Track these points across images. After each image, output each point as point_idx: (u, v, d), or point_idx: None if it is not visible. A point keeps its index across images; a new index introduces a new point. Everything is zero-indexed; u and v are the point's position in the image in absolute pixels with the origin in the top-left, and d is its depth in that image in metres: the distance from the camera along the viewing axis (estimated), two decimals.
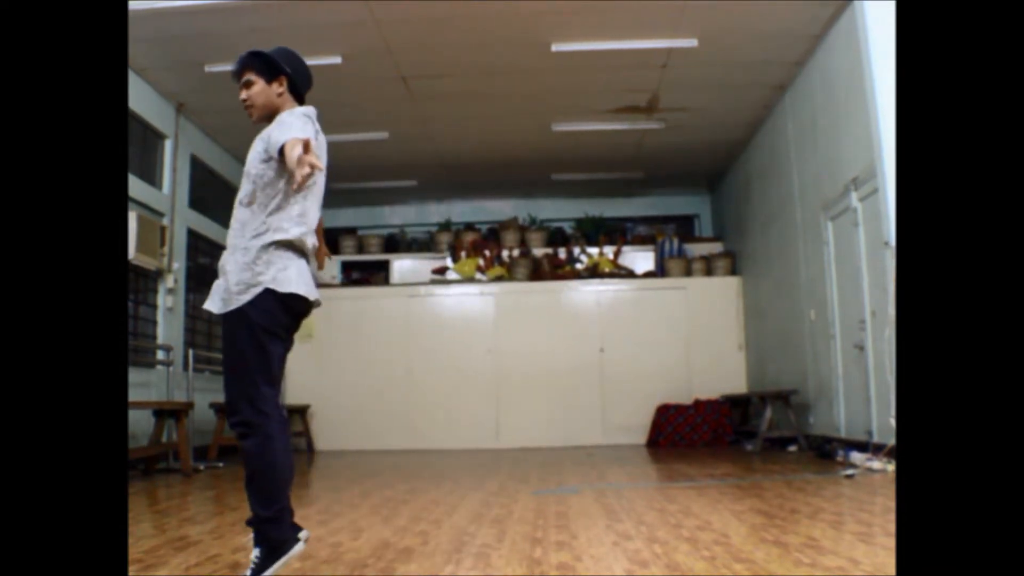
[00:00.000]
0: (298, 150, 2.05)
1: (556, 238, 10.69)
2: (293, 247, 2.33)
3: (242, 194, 2.38)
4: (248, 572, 2.20)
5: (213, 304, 2.35)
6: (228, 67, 7.93)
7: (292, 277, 2.29)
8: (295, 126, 2.27)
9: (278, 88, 2.46)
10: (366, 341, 9.81)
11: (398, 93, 7.29)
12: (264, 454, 2.23)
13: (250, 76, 2.46)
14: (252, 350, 2.25)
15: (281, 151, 2.19)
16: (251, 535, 2.28)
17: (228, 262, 2.34)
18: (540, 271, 10.10)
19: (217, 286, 2.36)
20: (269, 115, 2.46)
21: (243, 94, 2.47)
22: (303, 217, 2.36)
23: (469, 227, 10.86)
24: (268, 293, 2.26)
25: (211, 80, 6.94)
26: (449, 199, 11.20)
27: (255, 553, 2.21)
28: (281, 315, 2.30)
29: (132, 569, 2.58)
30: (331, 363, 9.77)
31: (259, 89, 2.45)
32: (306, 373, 9.76)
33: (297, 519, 3.68)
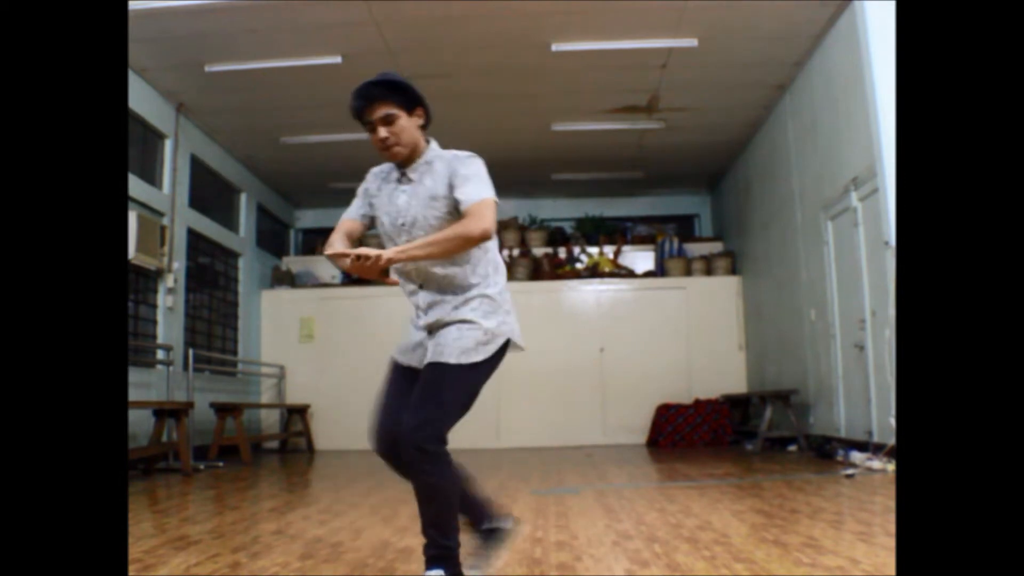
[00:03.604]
0: (482, 224, 2.03)
1: (556, 238, 10.69)
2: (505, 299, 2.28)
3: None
4: None
5: (444, 355, 2.14)
6: (228, 67, 7.86)
7: (517, 328, 2.28)
8: (487, 180, 2.14)
9: (418, 121, 2.21)
10: (366, 341, 9.80)
11: None
12: (447, 485, 2.11)
13: (390, 110, 2.13)
14: (473, 396, 2.18)
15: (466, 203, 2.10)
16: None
17: (452, 311, 2.19)
18: (540, 271, 10.10)
19: (445, 338, 2.17)
20: (412, 154, 2.21)
21: (382, 132, 2.14)
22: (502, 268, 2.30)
23: None
24: (506, 344, 2.22)
25: (211, 80, 6.94)
26: None
27: (438, 573, 2.08)
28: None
29: (132, 569, 2.58)
30: (331, 363, 9.77)
31: (404, 124, 2.16)
32: (306, 373, 9.77)
33: (297, 519, 3.70)
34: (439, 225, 2.15)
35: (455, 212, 2.14)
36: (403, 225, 2.19)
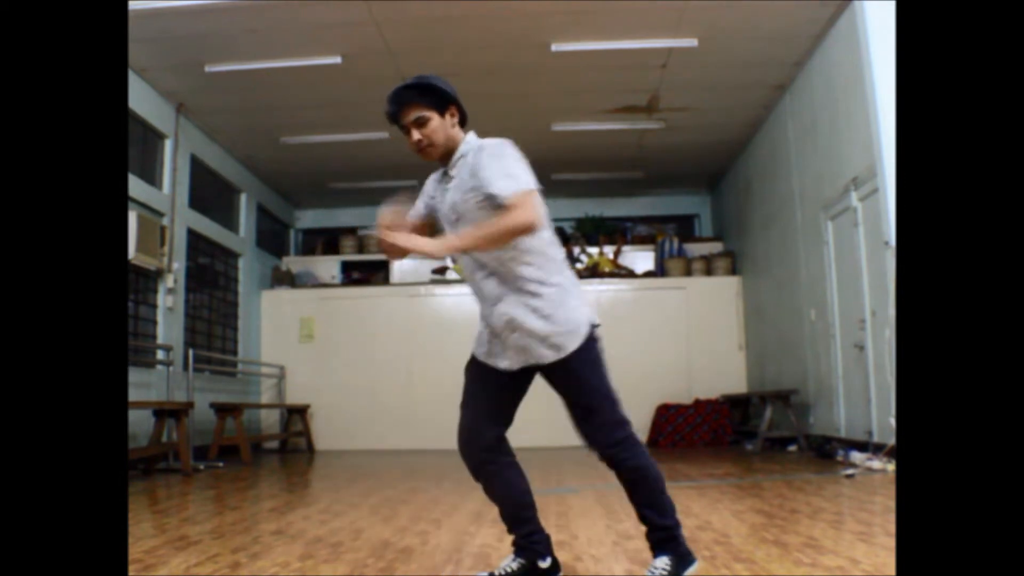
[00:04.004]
0: (525, 215, 2.00)
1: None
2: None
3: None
4: None
5: (546, 354, 2.16)
6: (228, 67, 7.85)
7: (587, 311, 2.25)
8: (521, 168, 2.11)
9: (451, 120, 2.23)
10: (366, 341, 9.81)
11: None
12: (650, 463, 2.17)
13: (422, 113, 2.16)
14: (605, 368, 2.20)
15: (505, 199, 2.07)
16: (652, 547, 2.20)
17: (527, 310, 2.15)
18: None
19: (530, 337, 2.15)
20: (447, 153, 2.23)
21: (415, 135, 2.17)
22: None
23: None
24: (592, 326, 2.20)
25: (211, 80, 6.94)
26: None
27: (664, 561, 2.14)
28: None
29: (132, 569, 2.57)
30: (331, 363, 9.77)
31: (437, 125, 2.18)
32: (306, 373, 9.77)
33: (297, 519, 3.70)
34: (482, 216, 2.12)
35: (489, 201, 2.10)
36: (456, 221, 2.20)
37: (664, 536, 2.16)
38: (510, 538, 2.38)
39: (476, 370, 2.30)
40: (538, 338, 2.15)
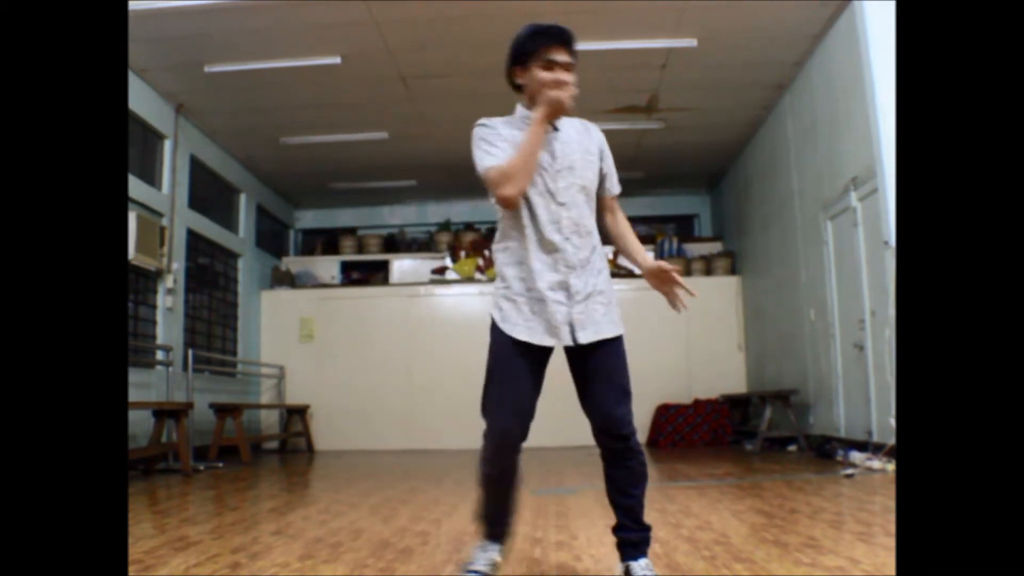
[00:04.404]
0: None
1: None
2: None
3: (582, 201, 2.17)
4: None
5: (609, 329, 2.17)
6: (228, 67, 7.82)
7: None
8: None
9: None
10: (366, 341, 9.81)
11: (398, 93, 7.29)
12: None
13: (574, 61, 2.11)
14: None
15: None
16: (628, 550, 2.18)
17: (601, 283, 2.19)
18: None
19: (599, 310, 2.16)
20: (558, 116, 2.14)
21: (565, 75, 2.08)
22: None
23: (469, 227, 10.87)
24: None
25: (211, 80, 6.94)
26: (449, 199, 11.21)
27: (647, 563, 2.14)
28: None
29: (132, 569, 2.57)
30: (331, 363, 9.77)
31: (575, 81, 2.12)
32: (306, 373, 9.77)
33: (297, 519, 3.70)
34: (589, 177, 2.21)
35: (598, 176, 2.26)
36: (559, 171, 2.14)
37: (647, 536, 2.19)
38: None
39: (519, 357, 2.13)
40: (604, 311, 2.18)
